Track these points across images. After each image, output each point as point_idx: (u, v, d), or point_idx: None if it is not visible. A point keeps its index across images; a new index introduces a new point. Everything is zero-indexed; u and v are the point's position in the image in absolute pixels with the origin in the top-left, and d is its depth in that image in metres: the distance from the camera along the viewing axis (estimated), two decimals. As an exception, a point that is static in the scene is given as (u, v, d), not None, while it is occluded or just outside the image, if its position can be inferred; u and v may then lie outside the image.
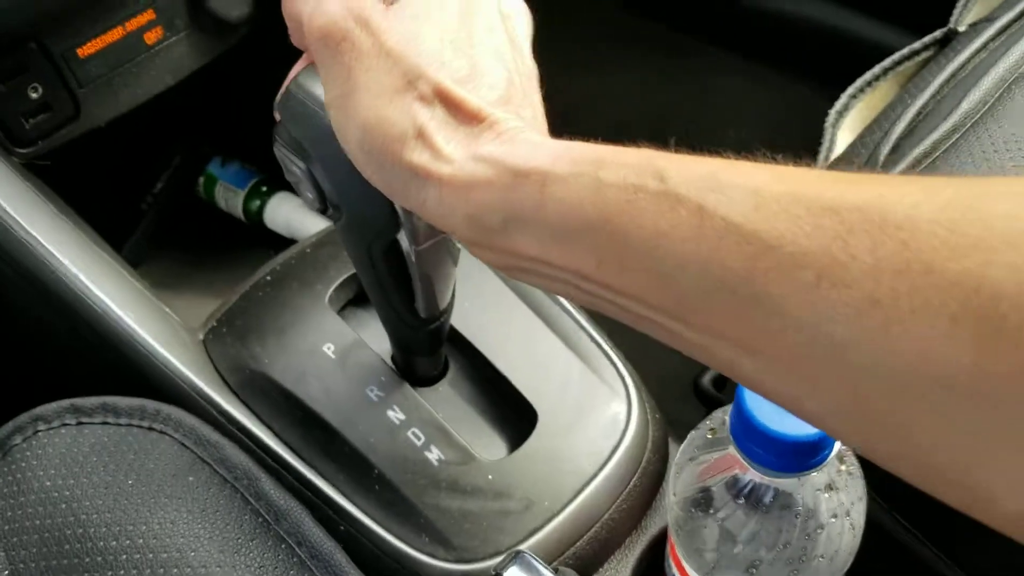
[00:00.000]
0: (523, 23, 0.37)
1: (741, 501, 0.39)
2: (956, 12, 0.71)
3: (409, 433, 0.51)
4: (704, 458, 0.41)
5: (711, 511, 0.40)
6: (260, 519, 0.43)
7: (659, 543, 0.53)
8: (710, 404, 0.76)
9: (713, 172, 0.27)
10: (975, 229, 0.21)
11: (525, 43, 0.37)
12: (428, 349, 0.51)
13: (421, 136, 0.32)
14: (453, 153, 0.31)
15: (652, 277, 0.27)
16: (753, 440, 0.37)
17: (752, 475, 0.39)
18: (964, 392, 0.21)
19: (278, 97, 0.39)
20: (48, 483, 0.44)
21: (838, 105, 0.68)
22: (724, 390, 0.77)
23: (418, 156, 0.32)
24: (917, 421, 0.22)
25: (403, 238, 0.41)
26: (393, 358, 0.53)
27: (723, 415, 0.42)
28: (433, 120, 0.32)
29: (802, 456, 0.36)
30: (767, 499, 0.39)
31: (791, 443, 0.35)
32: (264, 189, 0.72)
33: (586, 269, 0.29)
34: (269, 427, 0.52)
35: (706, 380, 0.75)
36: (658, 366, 0.58)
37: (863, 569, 0.43)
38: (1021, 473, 0.21)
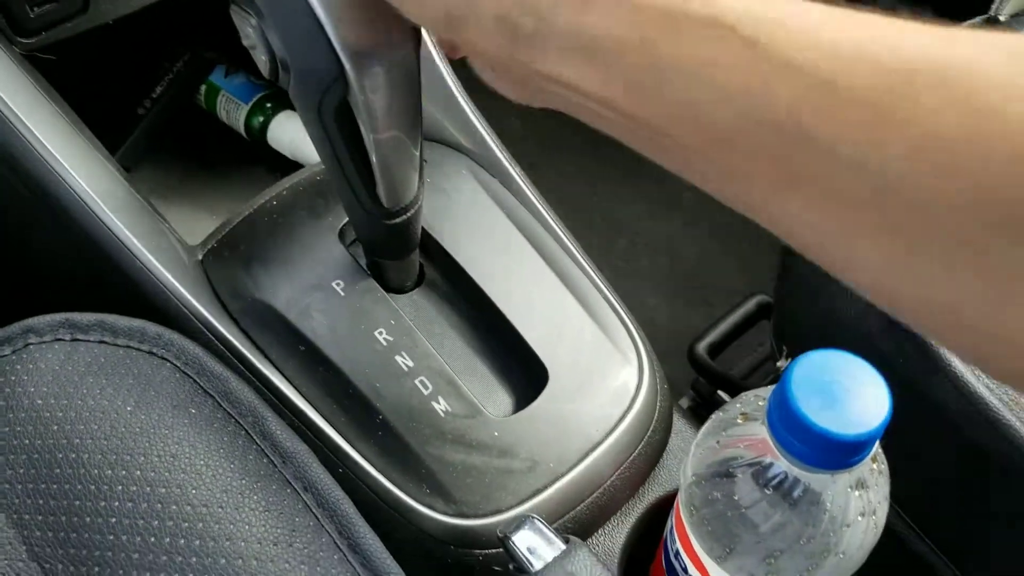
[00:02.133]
0: None
1: (768, 491, 0.39)
2: (997, 1, 0.70)
3: (417, 381, 0.49)
4: (731, 442, 0.40)
5: (735, 497, 0.39)
6: (265, 460, 0.41)
7: (655, 511, 0.53)
8: (702, 371, 0.76)
9: (765, 2, 0.25)
10: None
11: None
12: (395, 250, 0.49)
13: None
14: None
15: (687, 108, 0.26)
16: (794, 432, 0.35)
17: (784, 466, 0.38)
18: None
19: None
20: (39, 401, 0.42)
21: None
22: (717, 358, 0.77)
23: None
24: (956, 264, 0.22)
25: (362, 124, 0.40)
26: (368, 264, 0.51)
27: (755, 398, 0.41)
28: None
29: (844, 454, 0.35)
30: (796, 492, 0.38)
31: (836, 440, 0.34)
32: (269, 105, 0.69)
33: (614, 96, 0.27)
34: (269, 359, 0.50)
35: (701, 348, 0.75)
36: (650, 327, 0.57)
37: (867, 566, 0.43)
38: None
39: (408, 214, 0.45)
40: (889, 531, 0.42)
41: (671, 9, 0.25)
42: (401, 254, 0.50)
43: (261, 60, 0.40)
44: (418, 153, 0.44)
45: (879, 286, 0.25)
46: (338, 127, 0.40)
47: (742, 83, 0.24)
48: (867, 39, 0.23)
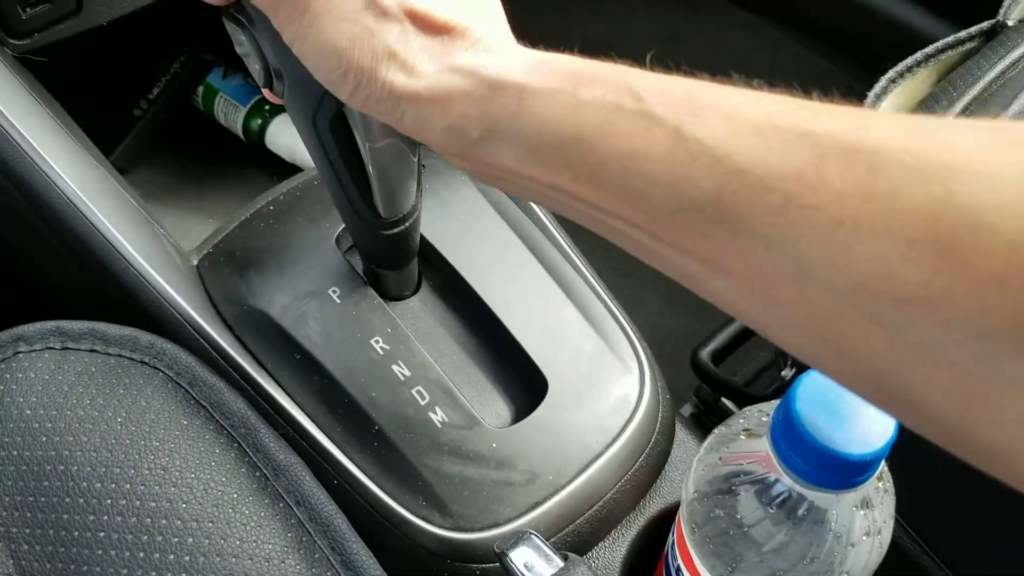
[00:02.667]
0: None
1: (772, 510, 0.38)
2: (1005, 4, 0.69)
3: (413, 391, 0.48)
4: (734, 458, 0.39)
5: (737, 515, 0.38)
6: (258, 473, 0.40)
7: (656, 525, 0.52)
8: (705, 378, 0.75)
9: (690, 93, 0.27)
10: (941, 158, 0.22)
11: None
12: (393, 260, 0.49)
13: (392, 56, 0.32)
14: (427, 67, 0.31)
15: (625, 194, 0.27)
16: (798, 451, 0.35)
17: (788, 485, 0.37)
18: (915, 308, 0.22)
19: None
20: (28, 411, 0.41)
21: (876, 89, 0.65)
22: (721, 365, 0.76)
23: (392, 75, 0.32)
24: (871, 336, 0.23)
25: (357, 133, 0.40)
26: (364, 271, 0.51)
27: (758, 414, 0.40)
28: (402, 37, 0.32)
29: (850, 473, 0.34)
30: (800, 511, 0.37)
31: (841, 460, 0.34)
32: (267, 108, 0.68)
33: (561, 183, 0.29)
34: (264, 367, 0.49)
35: (704, 354, 0.74)
36: (651, 334, 0.57)
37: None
38: (955, 381, 0.23)
39: (406, 224, 0.45)
40: (894, 545, 0.41)
41: (606, 104, 0.28)
42: (400, 264, 0.49)
43: (255, 69, 0.39)
44: (416, 160, 0.43)
45: (804, 354, 0.27)
46: (333, 136, 0.40)
47: (668, 173, 0.26)
48: (781, 123, 0.25)
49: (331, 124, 0.39)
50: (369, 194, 0.42)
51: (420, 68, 0.31)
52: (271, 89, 0.39)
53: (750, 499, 0.38)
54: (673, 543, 0.44)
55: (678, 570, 0.43)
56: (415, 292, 0.52)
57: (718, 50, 0.94)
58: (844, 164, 0.23)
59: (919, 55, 0.67)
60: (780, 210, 0.24)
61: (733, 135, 0.25)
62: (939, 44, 0.68)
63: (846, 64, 0.86)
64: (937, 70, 0.68)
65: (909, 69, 0.67)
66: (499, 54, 0.31)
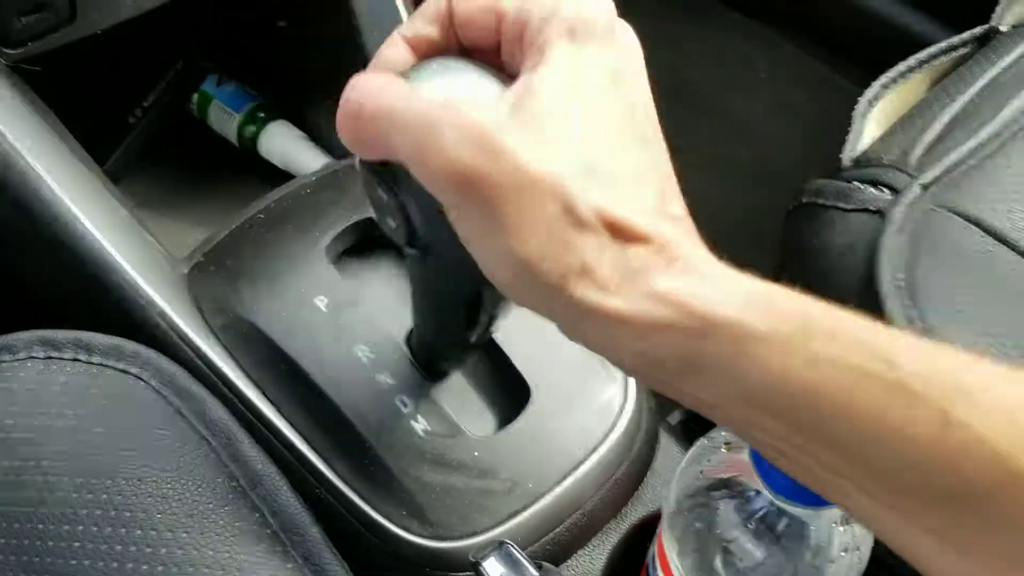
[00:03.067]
0: (642, 64, 0.32)
1: (751, 526, 0.38)
2: (998, 10, 0.68)
3: (397, 400, 0.48)
4: (714, 472, 0.39)
5: (717, 530, 0.38)
6: (234, 483, 0.41)
7: (637, 533, 0.52)
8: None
9: (956, 371, 0.25)
10: None
11: (649, 96, 0.32)
12: (460, 360, 0.49)
13: (585, 272, 0.28)
14: (622, 286, 0.28)
15: (861, 460, 0.25)
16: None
17: (768, 500, 0.37)
18: None
19: None
20: (10, 421, 0.42)
21: (869, 94, 0.65)
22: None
23: (582, 291, 0.28)
24: None
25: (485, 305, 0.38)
26: (409, 343, 0.50)
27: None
28: (598, 251, 0.28)
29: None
30: (779, 528, 0.37)
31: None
32: (261, 115, 0.68)
33: (775, 429, 0.27)
34: (249, 376, 0.49)
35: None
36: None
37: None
38: None
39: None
40: (874, 559, 0.41)
41: (850, 366, 0.25)
42: (464, 360, 0.49)
43: (388, 225, 0.35)
44: None
45: None
46: (465, 307, 0.39)
47: (929, 457, 0.24)
48: None
49: (467, 299, 0.38)
50: (469, 332, 0.41)
51: (613, 286, 0.28)
52: (406, 246, 0.35)
53: (730, 514, 0.38)
54: (654, 555, 0.44)
55: (656, 582, 0.43)
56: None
57: (716, 54, 0.94)
58: None
59: (912, 60, 0.67)
60: None
61: (1012, 427, 0.23)
62: (932, 49, 0.67)
63: (844, 68, 0.85)
64: (930, 75, 0.68)
65: (902, 75, 0.67)
66: (706, 280, 0.28)
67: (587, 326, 0.29)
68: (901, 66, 0.65)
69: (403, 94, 0.30)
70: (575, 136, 0.29)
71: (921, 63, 0.66)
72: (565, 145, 0.29)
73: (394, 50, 0.33)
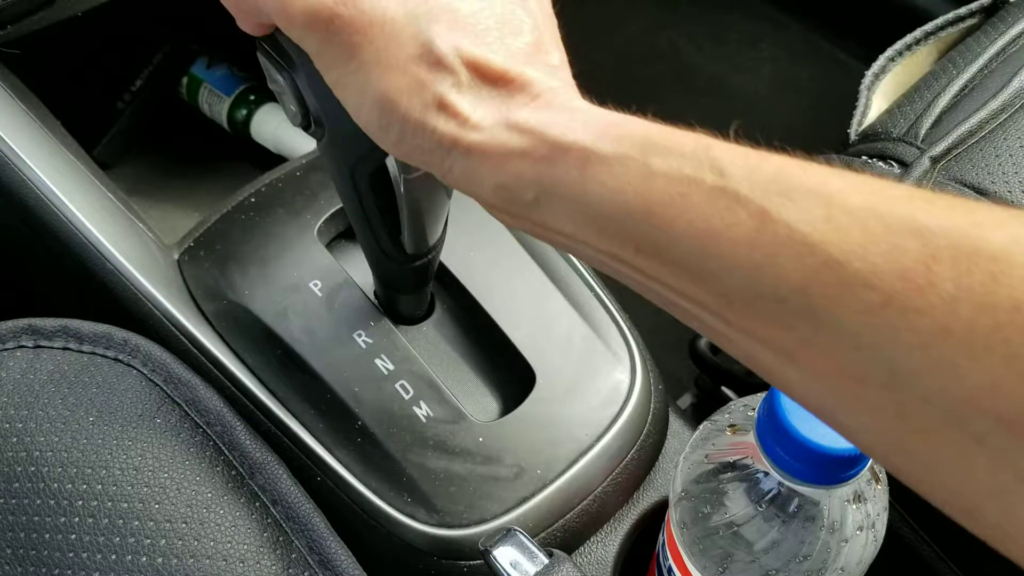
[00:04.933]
0: None
1: (762, 507, 0.36)
2: (1006, -19, 0.67)
3: (397, 385, 0.47)
4: (720, 456, 0.38)
5: (726, 515, 0.37)
6: (233, 472, 0.39)
7: (649, 518, 0.51)
8: (704, 366, 0.73)
9: (781, 172, 0.24)
10: None
11: None
12: (412, 286, 0.47)
13: (443, 105, 0.29)
14: (482, 120, 0.29)
15: (696, 274, 0.25)
16: (785, 447, 0.33)
17: (777, 481, 0.36)
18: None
19: None
20: (-1, 412, 0.40)
21: (875, 67, 0.64)
22: (720, 354, 0.74)
23: (443, 125, 0.29)
24: (971, 457, 0.21)
25: (391, 164, 0.38)
26: (376, 293, 0.49)
27: (744, 408, 0.39)
28: (456, 86, 0.29)
29: (840, 468, 0.33)
30: (791, 508, 0.36)
31: (829, 455, 0.32)
32: (252, 98, 0.67)
33: (623, 254, 0.27)
34: (244, 362, 0.48)
35: (703, 343, 0.73)
36: (653, 320, 0.55)
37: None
38: None
39: (431, 255, 0.43)
40: (893, 535, 0.40)
41: (681, 177, 0.25)
42: (419, 288, 0.48)
43: (290, 110, 0.37)
44: (448, 199, 0.41)
45: (885, 460, 0.24)
46: (371, 187, 0.38)
47: (749, 257, 0.24)
48: (886, 213, 0.22)
49: (371, 177, 0.38)
50: (399, 235, 0.41)
51: (474, 119, 0.29)
52: (306, 130, 0.37)
53: (739, 497, 0.37)
54: (664, 543, 0.43)
55: (669, 570, 0.42)
56: (428, 316, 0.51)
57: (720, 33, 0.92)
58: (960, 267, 0.21)
59: (918, 32, 0.66)
60: (878, 310, 0.22)
61: (828, 222, 0.23)
62: (939, 21, 0.66)
63: (849, 44, 0.84)
64: (937, 47, 0.66)
65: (908, 47, 0.65)
66: (562, 111, 0.28)
67: (451, 162, 0.30)
68: (908, 38, 0.64)
69: None
70: None
71: (928, 35, 0.65)
72: None
73: None
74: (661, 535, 0.44)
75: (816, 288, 0.23)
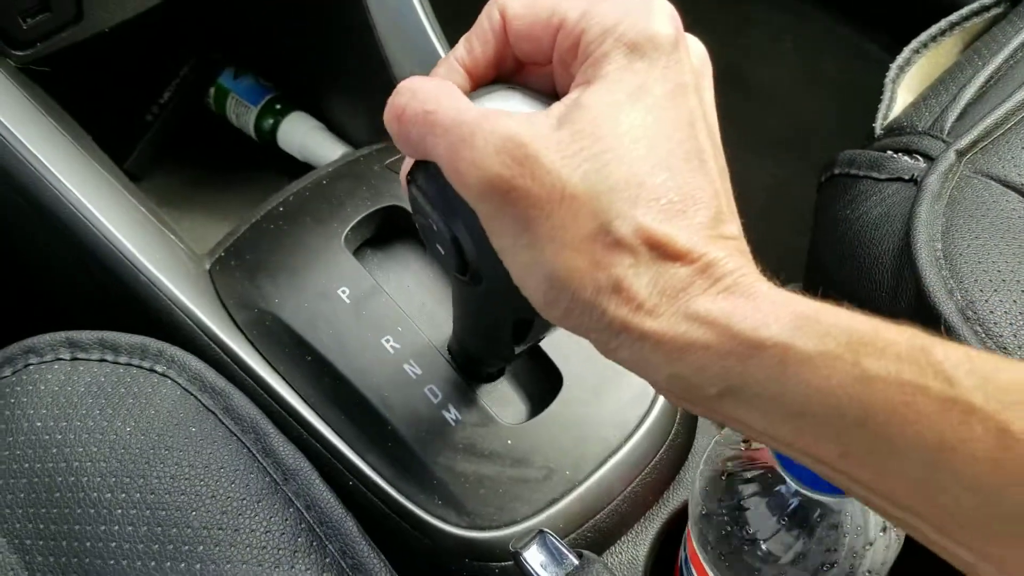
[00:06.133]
0: (709, 80, 0.31)
1: (784, 520, 0.36)
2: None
3: (426, 390, 0.47)
4: (737, 471, 0.38)
5: (750, 530, 0.37)
6: (268, 478, 0.40)
7: (678, 519, 0.51)
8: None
9: (1015, 380, 0.23)
10: None
11: (714, 113, 0.31)
12: (502, 368, 0.48)
13: (618, 289, 0.27)
14: (658, 306, 0.27)
15: (920, 486, 0.23)
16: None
17: (797, 493, 0.36)
18: None
19: None
20: (39, 423, 0.41)
21: (900, 60, 0.63)
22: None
23: (614, 308, 0.27)
24: None
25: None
26: (450, 349, 0.49)
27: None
28: (633, 267, 0.27)
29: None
30: (813, 518, 0.36)
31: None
32: (278, 107, 0.68)
33: (825, 456, 0.25)
34: (275, 370, 0.49)
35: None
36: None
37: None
38: None
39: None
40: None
41: (900, 383, 0.23)
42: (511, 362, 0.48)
43: (438, 252, 0.34)
44: None
45: None
46: (514, 329, 0.38)
47: (990, 477, 0.22)
48: None
49: (517, 323, 0.37)
50: (517, 346, 0.40)
51: (649, 304, 0.27)
52: (458, 274, 0.34)
53: (760, 511, 0.37)
54: (686, 557, 0.43)
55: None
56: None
57: (744, 27, 0.92)
58: None
59: (943, 23, 0.65)
60: None
61: None
62: (964, 11, 0.65)
63: (873, 36, 0.83)
64: (962, 38, 0.66)
65: (933, 38, 0.65)
66: (747, 300, 0.26)
67: (619, 343, 0.28)
68: (933, 29, 0.63)
69: (447, 100, 0.30)
70: (622, 152, 0.28)
71: (952, 26, 0.64)
72: (609, 161, 0.28)
73: (452, 74, 0.32)
74: (682, 551, 0.44)
75: None
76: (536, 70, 0.33)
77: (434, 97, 0.30)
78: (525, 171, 0.28)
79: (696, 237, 0.28)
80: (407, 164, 0.34)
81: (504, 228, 0.29)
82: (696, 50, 0.31)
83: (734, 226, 0.29)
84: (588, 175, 0.27)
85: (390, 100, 0.31)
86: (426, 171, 0.32)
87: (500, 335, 0.39)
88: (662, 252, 0.27)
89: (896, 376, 0.24)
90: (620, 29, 0.29)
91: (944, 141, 0.55)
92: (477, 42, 0.32)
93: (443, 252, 0.34)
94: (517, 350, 0.40)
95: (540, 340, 0.42)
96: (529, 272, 0.29)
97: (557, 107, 0.29)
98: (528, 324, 0.36)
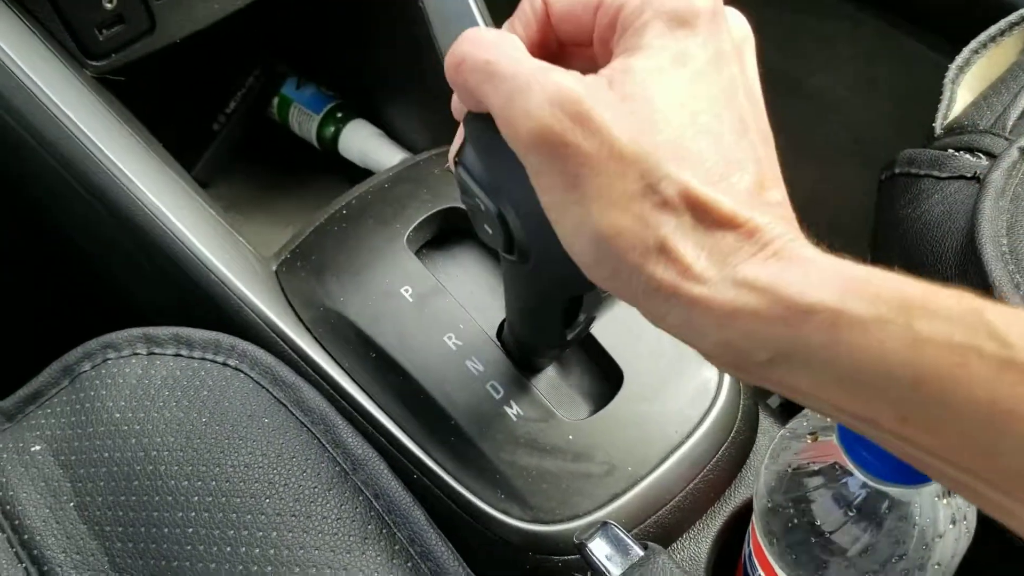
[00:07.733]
0: (751, 50, 0.32)
1: (852, 512, 0.36)
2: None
3: (488, 386, 0.48)
4: (803, 463, 0.38)
5: (817, 523, 0.37)
6: (337, 468, 0.41)
7: (741, 516, 0.51)
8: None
9: None
10: None
11: (756, 82, 0.31)
12: (555, 356, 0.49)
13: (664, 250, 0.27)
14: (706, 271, 0.27)
15: (978, 449, 0.23)
16: (871, 448, 0.33)
17: (865, 484, 0.36)
18: None
19: (467, 114, 0.33)
20: (118, 415, 0.43)
21: (959, 60, 0.63)
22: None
23: (662, 272, 0.27)
24: None
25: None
26: (500, 338, 0.49)
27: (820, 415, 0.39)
28: (679, 230, 0.27)
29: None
30: (882, 510, 0.36)
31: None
32: (339, 115, 0.69)
33: (882, 419, 0.25)
34: (341, 366, 0.50)
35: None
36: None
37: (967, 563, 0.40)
38: None
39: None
40: (983, 523, 0.39)
41: (955, 345, 0.23)
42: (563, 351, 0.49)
43: (486, 232, 0.34)
44: None
45: None
46: (563, 311, 0.38)
47: None
48: None
49: (565, 303, 0.37)
50: (566, 331, 0.40)
51: (696, 269, 0.27)
52: (507, 253, 0.34)
53: (828, 504, 0.37)
54: (750, 552, 0.43)
55: None
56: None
57: (799, 36, 0.92)
58: None
59: (1003, 23, 0.65)
60: None
61: None
62: (1022, 11, 0.65)
63: (930, 38, 0.83)
64: (1022, 38, 0.65)
65: (992, 39, 0.64)
66: (795, 265, 0.26)
67: (667, 309, 0.28)
68: (992, 30, 0.63)
69: (508, 50, 0.30)
70: (668, 115, 0.28)
71: (1012, 25, 0.63)
72: (656, 123, 0.28)
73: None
74: (746, 546, 0.44)
75: None
76: (578, 52, 0.34)
77: (495, 46, 0.30)
78: (576, 127, 0.28)
79: (740, 202, 0.28)
80: (456, 142, 0.35)
81: (552, 183, 0.29)
82: (736, 21, 0.32)
83: (778, 192, 0.29)
84: (636, 136, 0.28)
85: (451, 48, 0.31)
86: (478, 124, 0.32)
87: (550, 318, 0.39)
88: (706, 215, 0.27)
89: (948, 338, 0.23)
90: (660, 2, 0.30)
91: (1006, 139, 0.54)
92: (520, 26, 0.33)
93: (490, 232, 0.34)
94: (569, 336, 0.40)
95: (589, 327, 0.42)
96: (577, 232, 0.29)
97: (605, 71, 0.30)
98: (577, 303, 0.37)
